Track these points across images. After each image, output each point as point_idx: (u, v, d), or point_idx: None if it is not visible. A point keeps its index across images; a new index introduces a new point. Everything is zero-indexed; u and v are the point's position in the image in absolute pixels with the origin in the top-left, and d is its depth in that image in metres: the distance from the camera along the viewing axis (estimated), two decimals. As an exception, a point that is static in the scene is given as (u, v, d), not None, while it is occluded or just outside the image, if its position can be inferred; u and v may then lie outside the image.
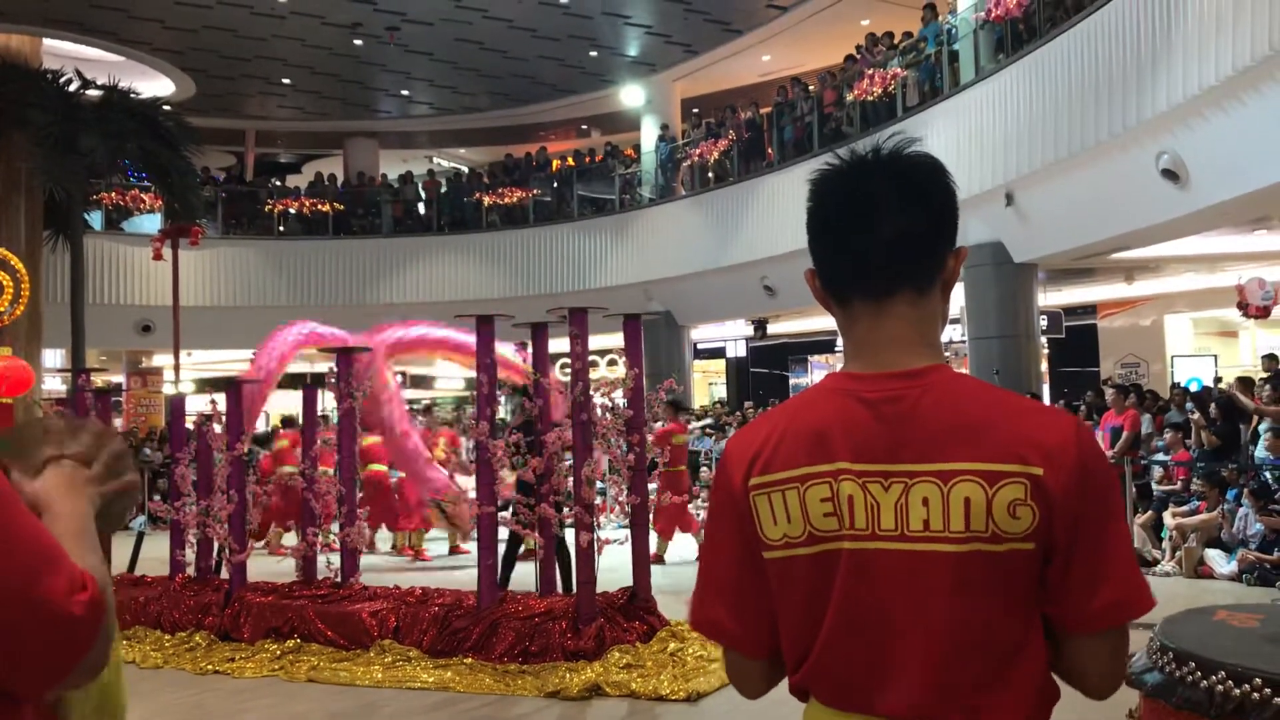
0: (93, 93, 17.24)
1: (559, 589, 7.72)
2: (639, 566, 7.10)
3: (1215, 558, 9.56)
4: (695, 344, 23.08)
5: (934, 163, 1.55)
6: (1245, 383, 11.65)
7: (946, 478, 1.42)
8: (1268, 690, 2.01)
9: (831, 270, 1.57)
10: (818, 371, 24.17)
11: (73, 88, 17.13)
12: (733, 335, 24.11)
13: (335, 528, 8.16)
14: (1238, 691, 2.04)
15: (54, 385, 20.54)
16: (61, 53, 18.27)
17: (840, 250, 1.55)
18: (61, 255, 17.65)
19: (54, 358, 19.91)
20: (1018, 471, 1.39)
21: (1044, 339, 16.32)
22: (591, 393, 7.05)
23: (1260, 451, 10.19)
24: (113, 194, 20.45)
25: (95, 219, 20.08)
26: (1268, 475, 9.89)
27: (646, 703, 5.90)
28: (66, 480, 1.51)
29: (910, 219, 1.50)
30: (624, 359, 7.33)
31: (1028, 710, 1.43)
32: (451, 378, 29.30)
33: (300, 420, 10.70)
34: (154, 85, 19.92)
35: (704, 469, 15.68)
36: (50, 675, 1.32)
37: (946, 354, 1.67)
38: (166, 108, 18.61)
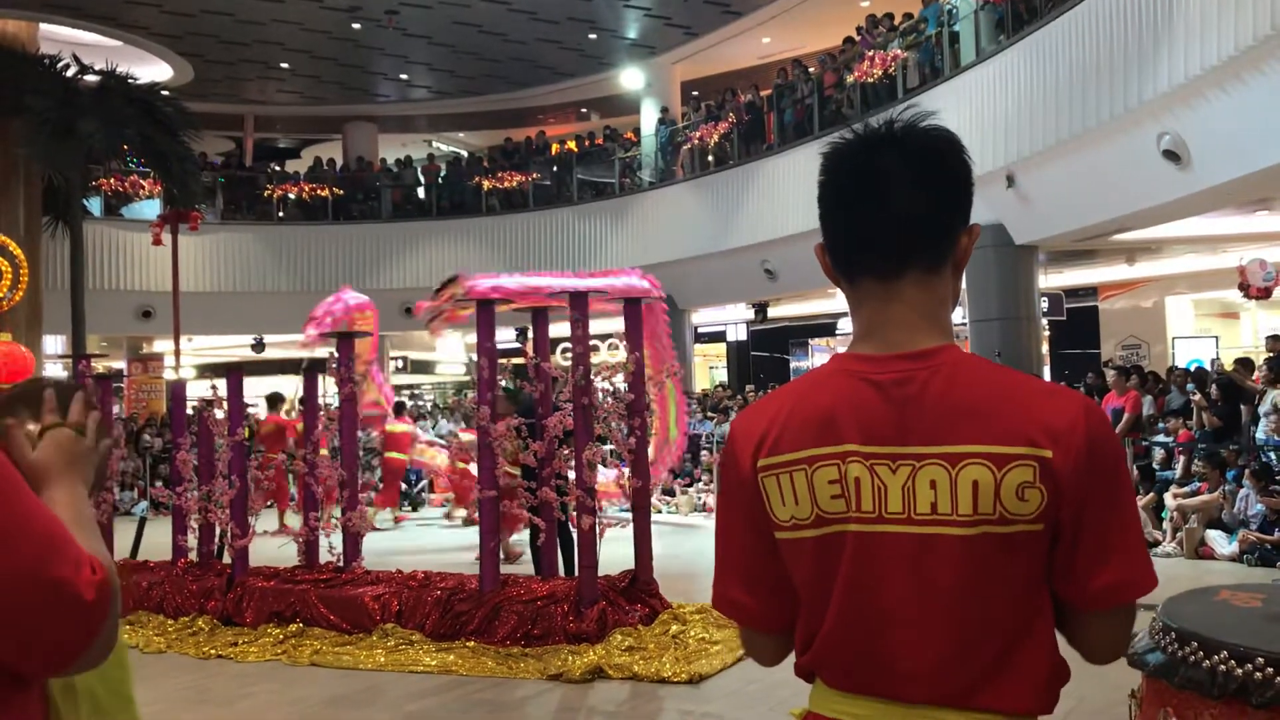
0: (91, 78, 17.19)
1: (560, 572, 7.74)
2: (640, 549, 7.12)
3: (1216, 538, 9.58)
4: (696, 328, 23.06)
5: (949, 137, 1.51)
6: (1245, 364, 11.66)
7: (954, 460, 1.40)
8: (1270, 670, 2.01)
9: (841, 246, 1.54)
10: (819, 355, 24.13)
11: (70, 73, 17.08)
12: (733, 319, 24.09)
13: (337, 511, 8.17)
14: (1240, 671, 2.04)
15: (55, 371, 20.54)
16: (59, 38, 18.20)
17: (850, 227, 1.52)
18: (61, 241, 17.65)
19: (54, 344, 19.92)
20: (1026, 454, 1.38)
21: (1045, 321, 16.30)
22: (592, 377, 7.05)
23: (1261, 433, 10.20)
24: (112, 179, 20.42)
25: (94, 205, 20.06)
26: (1272, 456, 9.89)
27: (649, 685, 5.92)
28: (67, 451, 1.52)
29: (922, 195, 1.47)
30: (625, 343, 7.33)
31: (1036, 691, 1.43)
32: (452, 363, 29.28)
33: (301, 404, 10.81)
34: (152, 70, 19.86)
35: (704, 452, 15.69)
36: (61, 658, 1.34)
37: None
38: (165, 93, 18.55)
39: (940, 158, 1.50)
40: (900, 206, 1.47)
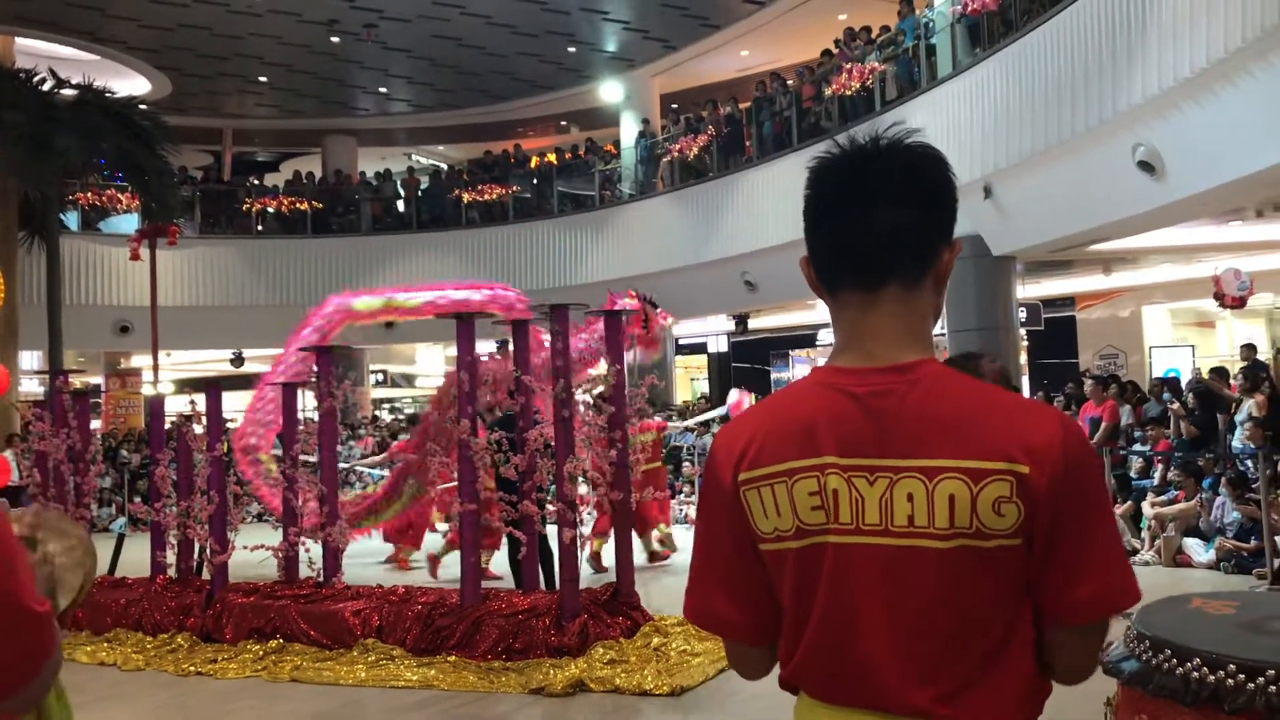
0: (68, 92, 17.11)
1: (542, 585, 7.72)
2: (622, 562, 7.12)
3: (1193, 546, 9.64)
4: (677, 340, 23.09)
5: (934, 153, 1.53)
6: (1220, 373, 11.77)
7: (932, 474, 1.41)
8: (1242, 676, 2.03)
9: (825, 259, 1.55)
10: (799, 366, 24.20)
11: (47, 87, 16.99)
12: (714, 330, 24.14)
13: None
14: (1213, 678, 2.06)
15: (31, 387, 20.37)
16: (36, 52, 18.13)
17: (834, 239, 1.53)
18: (38, 256, 17.53)
19: (31, 359, 19.76)
20: (1003, 470, 1.39)
21: (1023, 331, 16.40)
22: (573, 389, 7.05)
23: (1237, 441, 10.28)
24: (89, 194, 20.31)
25: (71, 219, 19.96)
26: (1249, 464, 9.97)
27: (630, 698, 5.91)
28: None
29: (907, 210, 1.48)
30: (605, 356, 7.33)
31: (1018, 705, 1.43)
32: (432, 376, 29.21)
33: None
34: (130, 84, 19.80)
35: (686, 464, 15.69)
36: (16, 674, 1.33)
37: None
38: (142, 107, 18.51)
39: (924, 173, 1.51)
40: (883, 219, 1.48)
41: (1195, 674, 2.10)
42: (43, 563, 1.59)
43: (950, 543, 1.40)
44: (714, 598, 1.60)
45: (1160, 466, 10.79)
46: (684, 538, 12.77)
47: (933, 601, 1.41)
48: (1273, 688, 2.00)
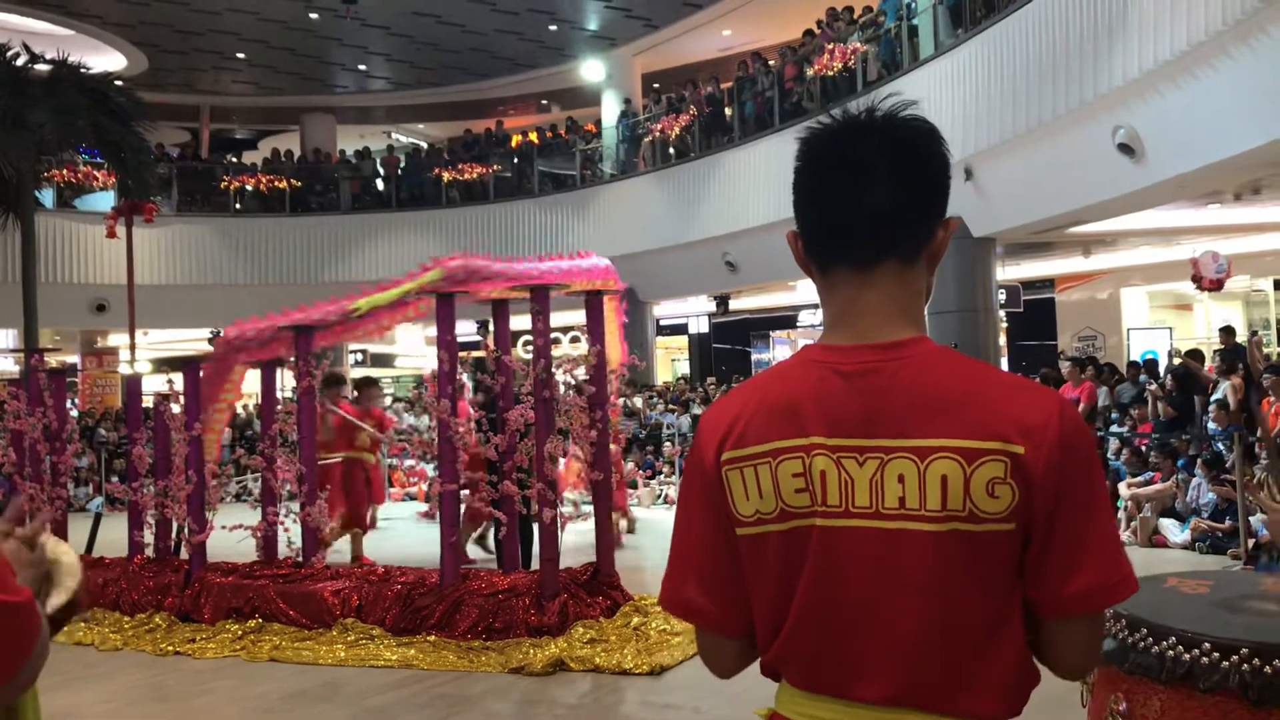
0: (41, 67, 16.88)
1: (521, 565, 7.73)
2: (602, 542, 7.13)
3: (1169, 527, 9.74)
4: (658, 320, 23.09)
5: (930, 127, 1.47)
6: (1194, 355, 11.89)
7: (924, 454, 1.36)
8: (1216, 654, 2.05)
9: (816, 236, 1.49)
10: (780, 347, 24.28)
11: (20, 62, 16.76)
12: (695, 311, 24.16)
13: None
14: (1187, 656, 2.08)
15: (6, 366, 20.21)
16: (8, 26, 17.89)
17: (827, 216, 1.47)
18: (12, 233, 17.33)
19: (5, 338, 19.61)
20: (997, 449, 1.34)
21: (1002, 313, 16.48)
22: (554, 370, 7.04)
23: (1213, 423, 10.37)
24: (64, 171, 20.10)
25: (46, 196, 19.75)
26: (1220, 446, 10.06)
27: (610, 677, 5.93)
28: (12, 556, 1.52)
29: (903, 187, 1.44)
30: (586, 336, 7.32)
31: (1006, 695, 1.39)
32: (411, 355, 29.13)
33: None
34: (105, 60, 19.57)
35: (666, 444, 15.72)
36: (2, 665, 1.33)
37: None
38: (118, 83, 18.28)
39: (920, 148, 1.47)
40: (878, 197, 1.43)
41: (1171, 652, 2.11)
42: (39, 561, 1.58)
43: (942, 526, 1.35)
44: (687, 585, 1.54)
45: (1140, 447, 10.88)
46: (666, 519, 12.82)
47: (921, 588, 1.37)
48: (1246, 666, 2.02)
